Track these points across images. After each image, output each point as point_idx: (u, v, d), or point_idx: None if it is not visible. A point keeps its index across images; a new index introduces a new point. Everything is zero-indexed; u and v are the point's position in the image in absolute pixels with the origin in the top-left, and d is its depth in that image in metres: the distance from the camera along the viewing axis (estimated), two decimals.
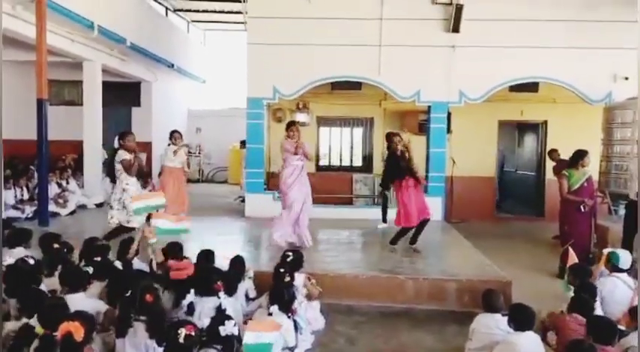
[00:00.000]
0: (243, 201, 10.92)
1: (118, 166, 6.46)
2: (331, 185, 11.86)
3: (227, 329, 3.43)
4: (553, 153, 9.72)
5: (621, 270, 4.90)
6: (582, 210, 6.86)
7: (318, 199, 9.88)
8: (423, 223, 7.17)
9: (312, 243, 7.25)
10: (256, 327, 3.52)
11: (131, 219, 6.25)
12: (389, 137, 7.32)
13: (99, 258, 4.77)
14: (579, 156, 7.10)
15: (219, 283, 4.34)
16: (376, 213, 9.23)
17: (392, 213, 7.54)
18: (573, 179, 6.99)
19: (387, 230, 8.26)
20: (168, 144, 8.39)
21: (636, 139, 8.18)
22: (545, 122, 11.78)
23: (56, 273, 4.45)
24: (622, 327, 3.91)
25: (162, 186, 8.23)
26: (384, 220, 8.94)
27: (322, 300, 5.27)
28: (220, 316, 3.65)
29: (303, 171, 7.20)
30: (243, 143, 13.09)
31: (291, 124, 7.31)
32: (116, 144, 6.57)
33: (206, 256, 5.16)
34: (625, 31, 9.20)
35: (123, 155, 6.45)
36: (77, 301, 3.84)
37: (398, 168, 6.99)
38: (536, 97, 11.26)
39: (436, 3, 9.38)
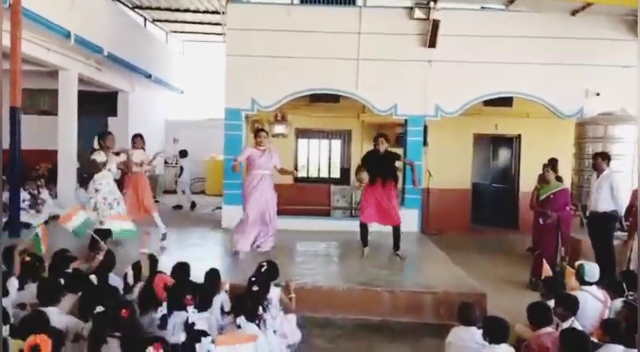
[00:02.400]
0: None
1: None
2: (309, 197, 11.85)
3: (204, 346, 3.32)
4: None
5: (589, 283, 4.95)
6: (541, 221, 7.05)
7: (295, 211, 9.89)
8: (395, 230, 7.32)
9: (269, 248, 7.25)
10: (229, 341, 3.42)
11: (104, 221, 6.64)
12: (376, 138, 7.47)
13: (70, 270, 4.67)
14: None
15: (189, 297, 4.12)
16: (354, 225, 9.18)
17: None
18: (542, 191, 7.30)
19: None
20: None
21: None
22: (519, 136, 11.99)
23: (26, 287, 4.35)
24: (595, 340, 3.97)
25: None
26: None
27: (298, 313, 5.25)
28: (197, 332, 3.52)
29: (265, 179, 7.15)
30: (181, 153, 13.70)
31: (260, 131, 7.31)
32: (96, 145, 6.89)
33: (182, 269, 5.07)
34: (596, 47, 9.49)
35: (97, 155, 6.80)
36: (51, 316, 3.73)
37: (373, 164, 7.22)
38: (511, 112, 11.46)
39: (413, 18, 9.51)
